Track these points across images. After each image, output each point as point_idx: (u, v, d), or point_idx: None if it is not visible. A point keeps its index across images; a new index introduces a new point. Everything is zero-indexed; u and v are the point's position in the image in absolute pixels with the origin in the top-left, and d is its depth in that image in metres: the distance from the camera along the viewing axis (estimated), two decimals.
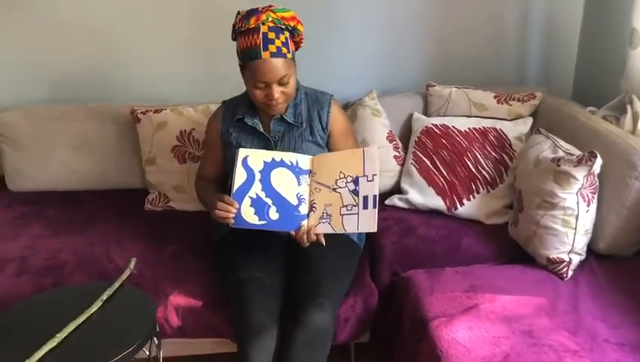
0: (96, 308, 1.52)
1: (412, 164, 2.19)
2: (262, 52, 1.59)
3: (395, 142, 2.28)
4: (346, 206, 1.60)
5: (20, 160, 2.35)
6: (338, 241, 1.72)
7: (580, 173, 1.68)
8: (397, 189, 2.23)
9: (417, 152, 2.20)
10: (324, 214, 1.62)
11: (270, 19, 1.60)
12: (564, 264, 1.73)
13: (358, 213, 1.58)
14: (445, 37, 2.56)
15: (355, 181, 1.62)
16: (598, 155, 1.66)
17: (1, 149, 2.37)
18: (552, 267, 1.75)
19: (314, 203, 1.65)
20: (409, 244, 1.93)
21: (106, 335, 1.46)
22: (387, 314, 1.81)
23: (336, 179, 1.64)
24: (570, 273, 1.73)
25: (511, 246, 1.91)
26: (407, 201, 2.15)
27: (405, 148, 2.29)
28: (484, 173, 2.09)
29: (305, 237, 1.61)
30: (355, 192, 1.60)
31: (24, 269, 1.85)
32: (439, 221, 2.05)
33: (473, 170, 2.10)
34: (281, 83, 1.64)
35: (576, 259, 1.75)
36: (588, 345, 1.44)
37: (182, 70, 2.53)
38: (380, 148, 2.11)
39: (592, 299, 1.62)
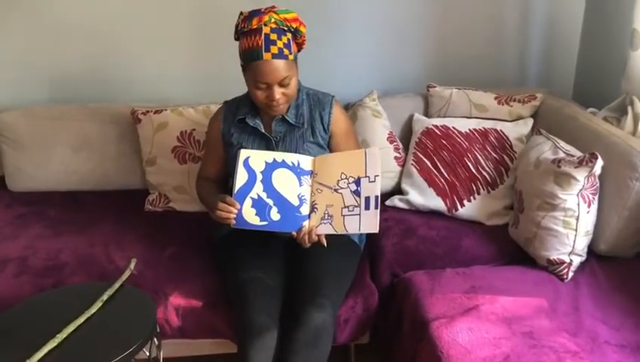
0: (96, 309, 1.51)
1: (412, 164, 2.19)
2: (263, 53, 1.59)
3: (395, 143, 2.28)
4: (348, 206, 1.60)
5: (20, 160, 2.34)
6: (338, 242, 1.72)
7: (580, 175, 1.68)
8: (397, 190, 2.23)
9: (418, 153, 2.20)
10: (326, 215, 1.62)
11: (273, 20, 1.60)
12: (565, 265, 1.73)
13: (359, 214, 1.58)
14: (446, 38, 2.56)
15: (357, 182, 1.62)
16: (599, 156, 1.66)
17: (2, 149, 2.37)
18: (552, 268, 1.75)
19: (315, 204, 1.65)
20: (409, 245, 1.93)
21: (106, 335, 1.46)
22: (387, 315, 1.81)
23: (338, 180, 1.64)
24: (570, 274, 1.73)
25: (511, 248, 1.91)
26: (408, 202, 2.15)
27: (406, 149, 2.29)
28: (484, 174, 2.09)
29: (306, 237, 1.61)
30: (357, 193, 1.60)
31: (24, 270, 1.85)
32: (439, 222, 2.05)
33: (474, 170, 2.10)
34: (282, 84, 1.64)
35: (576, 261, 1.75)
36: (588, 346, 1.44)
37: (182, 71, 2.53)
38: (381, 149, 2.10)
39: (592, 300, 1.62)
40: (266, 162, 1.66)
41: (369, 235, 1.92)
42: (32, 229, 2.10)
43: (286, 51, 1.61)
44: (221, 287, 1.75)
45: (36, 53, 2.46)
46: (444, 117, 2.29)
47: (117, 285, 1.62)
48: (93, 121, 2.35)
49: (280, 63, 1.61)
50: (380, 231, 1.59)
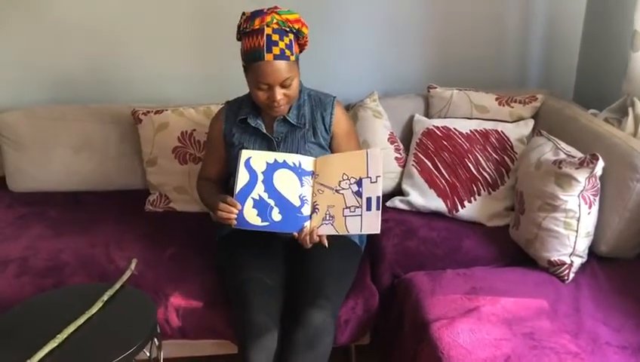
0: (96, 309, 1.52)
1: (413, 165, 2.19)
2: (265, 54, 1.59)
3: (396, 144, 2.28)
4: (349, 207, 1.60)
5: (20, 160, 2.35)
6: (339, 243, 1.71)
7: (581, 176, 1.68)
8: (398, 191, 2.23)
9: (418, 154, 2.20)
10: (327, 215, 1.62)
11: (275, 21, 1.60)
12: (566, 266, 1.73)
13: (361, 215, 1.58)
14: (446, 38, 2.56)
15: (359, 182, 1.61)
16: (600, 158, 1.66)
17: (3, 150, 2.37)
18: (553, 269, 1.75)
19: (316, 204, 1.65)
20: (410, 246, 1.93)
21: (106, 336, 1.46)
22: (388, 316, 1.81)
23: (340, 181, 1.64)
24: (571, 275, 1.73)
25: (512, 249, 1.91)
26: (408, 203, 2.14)
27: (406, 149, 2.29)
28: (485, 174, 2.09)
29: (307, 238, 1.61)
30: (359, 194, 1.60)
31: (25, 270, 1.85)
32: (440, 223, 2.05)
33: (474, 171, 2.10)
34: (283, 85, 1.64)
35: (577, 262, 1.75)
36: (589, 347, 1.44)
37: (183, 71, 2.53)
38: (381, 150, 2.11)
39: (593, 301, 1.62)
40: (268, 163, 1.66)
41: (369, 236, 1.92)
42: (32, 230, 2.10)
43: (288, 52, 1.61)
44: (221, 288, 1.75)
45: (36, 53, 2.46)
46: (445, 118, 2.29)
47: (117, 285, 1.62)
48: (94, 121, 2.36)
49: (281, 64, 1.60)
50: (380, 231, 1.59)
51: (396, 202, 2.16)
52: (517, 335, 1.48)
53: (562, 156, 1.77)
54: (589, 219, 1.73)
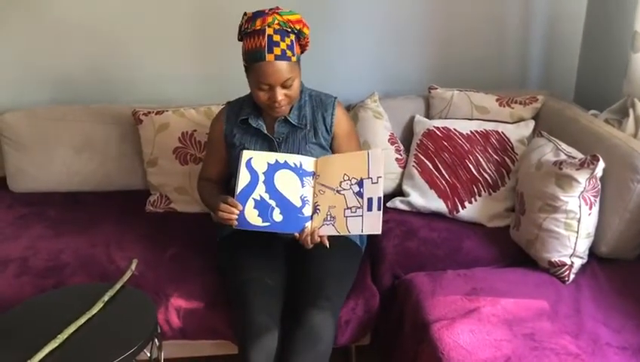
0: (97, 310, 1.52)
1: (414, 166, 2.19)
2: (266, 54, 1.59)
3: (396, 145, 2.28)
4: (350, 208, 1.60)
5: (21, 161, 2.35)
6: (340, 243, 1.71)
7: (582, 177, 1.68)
8: (398, 192, 2.23)
9: (419, 155, 2.20)
10: (328, 216, 1.62)
11: (276, 21, 1.60)
12: (566, 267, 1.73)
13: (362, 215, 1.58)
14: (447, 39, 2.56)
15: (360, 183, 1.61)
16: (601, 159, 1.66)
17: (3, 150, 2.37)
18: (553, 270, 1.75)
19: (318, 205, 1.65)
20: (410, 247, 1.93)
21: (107, 336, 1.46)
22: (388, 317, 1.81)
23: (341, 181, 1.64)
24: (572, 276, 1.73)
25: (513, 250, 1.91)
26: (409, 204, 2.15)
27: (407, 150, 2.29)
28: (485, 175, 2.09)
29: (309, 239, 1.61)
30: (360, 194, 1.60)
31: (25, 270, 1.85)
32: (441, 223, 2.05)
33: (475, 172, 2.10)
34: (284, 86, 1.64)
35: (578, 263, 1.75)
36: (590, 348, 1.44)
37: (183, 71, 2.54)
38: (382, 151, 2.11)
39: (593, 302, 1.62)
40: (269, 163, 1.66)
41: (370, 237, 1.92)
42: (33, 230, 2.10)
43: (289, 53, 1.61)
44: (222, 288, 1.75)
45: (37, 53, 2.46)
46: (446, 118, 2.29)
47: (118, 286, 1.62)
48: (95, 121, 2.36)
49: (283, 65, 1.61)
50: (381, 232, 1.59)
51: (397, 203, 2.16)
52: (517, 336, 1.48)
53: (563, 157, 1.77)
54: (589, 220, 1.73)
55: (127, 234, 2.05)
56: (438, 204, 2.10)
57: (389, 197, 2.19)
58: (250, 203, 1.62)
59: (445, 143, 2.16)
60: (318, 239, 1.61)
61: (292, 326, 1.54)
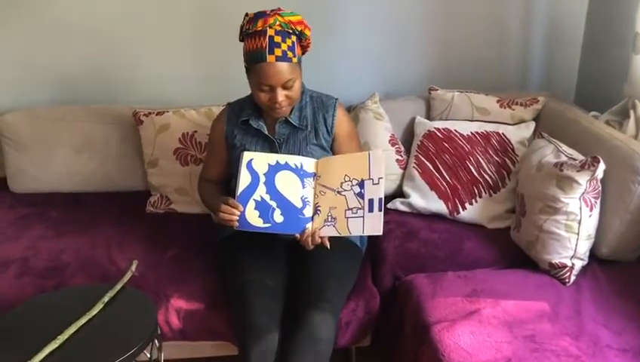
0: (97, 310, 1.52)
1: (414, 167, 2.19)
2: (267, 55, 1.59)
3: (397, 146, 2.28)
4: (351, 209, 1.60)
5: (22, 161, 2.35)
6: (340, 244, 1.71)
7: (582, 178, 1.67)
8: (399, 193, 2.23)
9: (420, 156, 2.19)
10: (329, 217, 1.62)
11: (277, 22, 1.60)
12: (567, 269, 1.73)
13: (363, 216, 1.58)
14: (448, 40, 2.56)
15: (361, 184, 1.61)
16: (601, 160, 1.66)
17: (4, 150, 2.37)
18: (554, 272, 1.75)
19: (318, 206, 1.65)
20: (411, 248, 1.93)
21: (107, 337, 1.46)
22: (389, 318, 1.81)
23: (342, 182, 1.64)
24: (572, 278, 1.73)
25: (513, 251, 1.91)
26: (410, 205, 2.14)
27: (407, 151, 2.29)
28: (486, 177, 2.09)
29: (309, 240, 1.61)
30: (361, 195, 1.60)
31: (26, 271, 1.85)
32: (441, 225, 2.05)
33: (475, 174, 2.10)
34: (285, 87, 1.64)
35: (578, 264, 1.74)
36: (590, 350, 1.44)
37: (183, 72, 2.53)
38: (383, 152, 2.11)
39: (594, 304, 1.62)
40: (269, 164, 1.66)
41: (370, 238, 1.92)
42: (33, 230, 2.10)
43: (290, 54, 1.61)
44: (222, 289, 1.75)
45: (37, 53, 2.46)
46: (446, 120, 2.29)
47: (118, 287, 1.62)
48: (96, 122, 2.36)
49: (284, 66, 1.60)
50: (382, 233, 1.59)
51: (397, 204, 2.16)
52: (518, 338, 1.48)
53: (563, 158, 1.77)
54: (590, 222, 1.73)
55: (128, 235, 2.05)
56: (439, 205, 2.10)
57: (389, 198, 2.19)
58: (251, 204, 1.62)
59: (446, 144, 2.16)
60: (319, 240, 1.61)
61: (292, 327, 1.54)
